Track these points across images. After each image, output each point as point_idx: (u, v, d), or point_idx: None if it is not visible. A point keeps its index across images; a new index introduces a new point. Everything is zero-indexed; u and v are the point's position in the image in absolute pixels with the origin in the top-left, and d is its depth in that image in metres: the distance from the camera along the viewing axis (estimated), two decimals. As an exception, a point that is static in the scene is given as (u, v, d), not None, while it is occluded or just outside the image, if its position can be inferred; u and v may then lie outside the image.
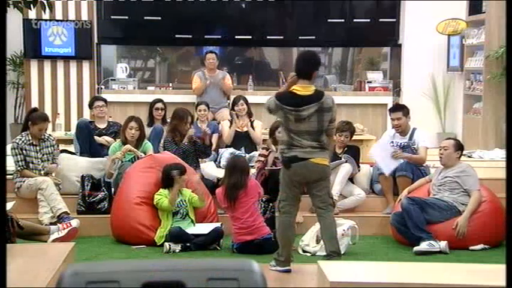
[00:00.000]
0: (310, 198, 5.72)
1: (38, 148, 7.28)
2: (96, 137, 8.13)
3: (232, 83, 10.31)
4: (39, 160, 7.28)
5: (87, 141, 7.99)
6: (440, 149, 6.98)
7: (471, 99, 10.62)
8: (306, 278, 5.44)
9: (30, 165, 7.26)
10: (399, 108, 7.65)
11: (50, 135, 7.48)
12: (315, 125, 5.40)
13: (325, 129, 5.46)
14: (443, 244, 6.44)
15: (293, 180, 5.50)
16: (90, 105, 8.58)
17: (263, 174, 7.34)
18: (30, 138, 7.26)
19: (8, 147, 7.89)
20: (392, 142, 7.50)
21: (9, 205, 5.87)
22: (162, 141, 8.25)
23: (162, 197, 6.74)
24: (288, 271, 5.53)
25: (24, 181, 7.20)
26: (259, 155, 7.64)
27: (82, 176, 7.34)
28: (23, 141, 7.23)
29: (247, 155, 8.27)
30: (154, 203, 6.77)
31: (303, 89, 5.46)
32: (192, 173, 7.10)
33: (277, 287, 5.08)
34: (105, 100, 8.58)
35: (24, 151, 7.23)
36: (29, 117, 7.34)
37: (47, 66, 10.89)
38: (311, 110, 5.39)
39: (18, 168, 7.24)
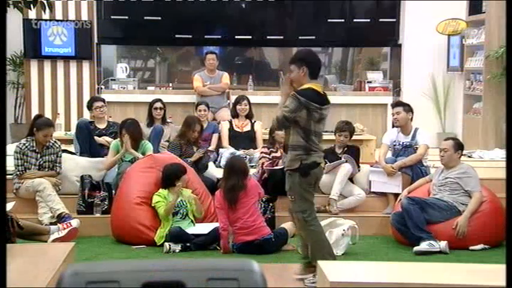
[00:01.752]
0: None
1: (39, 156, 7.25)
2: (96, 137, 8.12)
3: (231, 83, 10.28)
4: (38, 167, 7.26)
5: (87, 141, 7.99)
6: (440, 151, 6.97)
7: (471, 99, 10.62)
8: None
9: (28, 171, 7.24)
10: (400, 104, 7.73)
11: (55, 141, 7.39)
12: (324, 127, 5.31)
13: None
14: (443, 244, 6.44)
15: (311, 185, 5.31)
16: (89, 107, 8.54)
17: (263, 178, 7.33)
18: (34, 144, 7.24)
19: (9, 147, 7.89)
20: (395, 141, 7.53)
21: (9, 205, 5.87)
22: (162, 141, 8.26)
23: (161, 201, 6.73)
24: None
25: (22, 183, 7.20)
26: (262, 152, 7.62)
27: (82, 176, 7.34)
28: (26, 147, 7.22)
29: (248, 156, 8.26)
30: (152, 204, 6.76)
31: (319, 88, 5.24)
32: (192, 173, 7.10)
33: (277, 287, 5.07)
34: (103, 100, 8.56)
35: (25, 156, 7.22)
36: (33, 124, 7.28)
37: (47, 66, 10.88)
38: (328, 111, 5.26)
39: (17, 172, 7.24)
